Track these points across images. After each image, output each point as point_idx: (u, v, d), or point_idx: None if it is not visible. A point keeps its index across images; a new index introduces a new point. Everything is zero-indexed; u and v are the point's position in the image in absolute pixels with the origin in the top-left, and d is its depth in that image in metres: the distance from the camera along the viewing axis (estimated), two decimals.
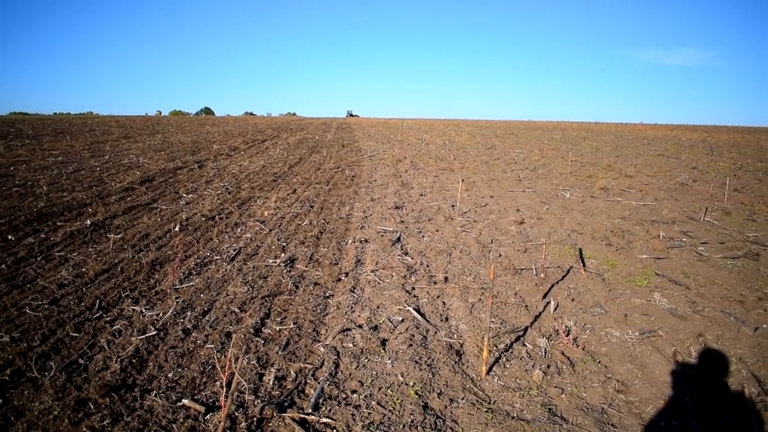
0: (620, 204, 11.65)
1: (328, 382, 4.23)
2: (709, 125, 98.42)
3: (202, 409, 3.77)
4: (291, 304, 5.87)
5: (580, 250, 7.92)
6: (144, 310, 5.45)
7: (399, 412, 3.87)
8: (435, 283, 6.68)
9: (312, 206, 11.19)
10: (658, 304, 5.86)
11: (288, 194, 12.58)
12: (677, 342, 5.02)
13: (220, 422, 3.52)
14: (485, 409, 3.95)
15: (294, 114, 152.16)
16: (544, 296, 6.27)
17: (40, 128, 36.22)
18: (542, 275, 6.88)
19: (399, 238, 8.61)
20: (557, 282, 6.69)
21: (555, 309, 5.89)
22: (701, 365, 4.66)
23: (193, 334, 5.00)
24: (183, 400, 3.87)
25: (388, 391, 4.15)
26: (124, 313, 5.40)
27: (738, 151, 28.15)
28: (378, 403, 3.96)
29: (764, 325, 5.20)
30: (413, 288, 6.47)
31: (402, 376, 4.37)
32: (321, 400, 3.97)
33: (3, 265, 6.59)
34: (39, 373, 4.13)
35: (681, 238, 8.55)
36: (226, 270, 6.86)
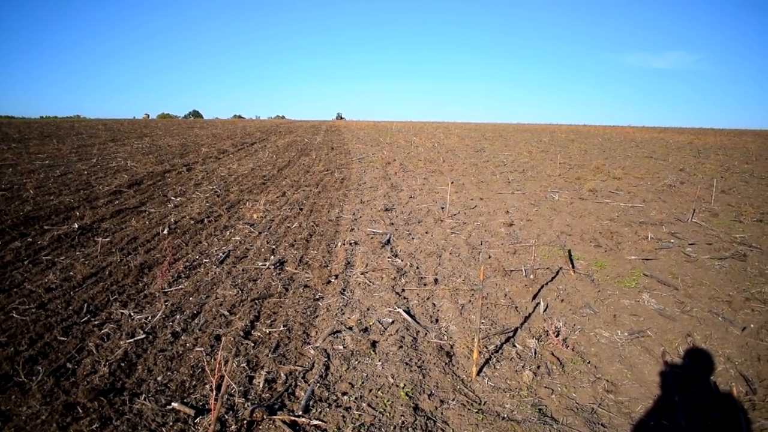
0: (609, 206, 11.72)
1: (318, 385, 4.22)
2: (696, 128, 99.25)
3: (192, 412, 3.75)
4: (281, 307, 5.85)
5: (569, 251, 7.95)
6: (133, 314, 5.42)
7: (389, 413, 3.86)
8: (425, 284, 6.68)
9: (301, 209, 11.17)
10: (646, 304, 5.89)
11: (277, 197, 12.56)
12: (666, 342, 5.05)
13: (210, 425, 3.50)
14: (476, 410, 3.95)
15: (283, 117, 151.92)
16: (534, 297, 6.29)
17: (26, 132, 36.00)
18: (532, 276, 6.90)
19: (389, 240, 8.60)
20: (547, 283, 6.71)
21: (544, 310, 5.91)
22: (690, 365, 4.69)
23: (182, 337, 4.98)
24: (172, 404, 3.84)
25: (379, 392, 4.15)
26: (112, 316, 5.36)
27: (725, 153, 28.40)
28: (368, 405, 3.96)
29: (752, 325, 5.25)
30: (403, 290, 6.47)
31: (392, 377, 4.37)
32: (311, 403, 3.96)
33: None
34: (26, 378, 4.09)
35: (669, 239, 8.61)
36: (215, 273, 6.83)
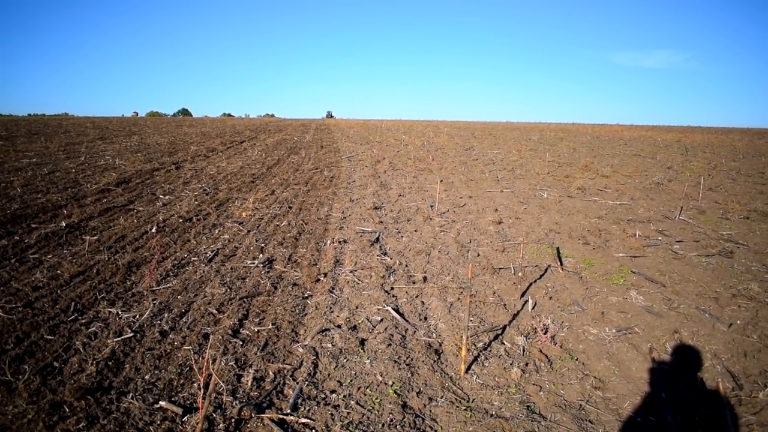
0: (597, 203, 11.77)
1: (306, 383, 4.22)
2: (683, 126, 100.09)
3: (180, 410, 3.74)
4: (269, 305, 5.84)
5: (558, 249, 7.98)
6: (120, 312, 5.39)
7: (378, 411, 3.87)
8: (414, 282, 6.69)
9: (290, 207, 11.15)
10: (634, 301, 5.93)
11: (266, 195, 12.52)
12: (653, 339, 5.08)
13: (197, 424, 3.49)
14: (464, 408, 3.96)
15: (272, 115, 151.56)
16: (522, 295, 6.31)
17: (13, 129, 35.73)
18: (520, 274, 6.92)
19: (378, 239, 8.61)
20: (535, 281, 6.73)
21: (533, 307, 5.93)
22: (677, 361, 4.72)
23: (170, 335, 4.95)
24: (160, 402, 3.83)
25: (367, 390, 4.15)
26: (100, 315, 5.33)
27: (712, 151, 28.62)
28: (357, 403, 3.96)
29: (738, 322, 5.29)
30: (392, 288, 6.47)
31: (381, 375, 4.37)
32: (300, 401, 3.95)
33: None
34: (13, 377, 4.06)
35: (657, 236, 8.66)
36: (203, 271, 6.81)
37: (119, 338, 4.80)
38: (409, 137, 37.34)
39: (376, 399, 4.02)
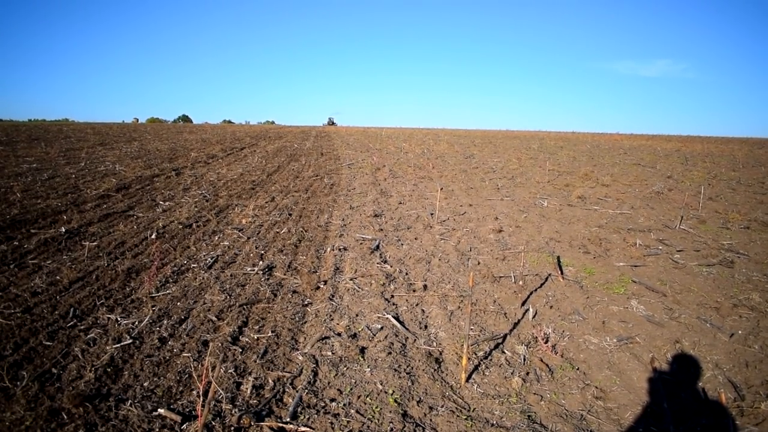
0: (597, 212, 11.77)
1: (306, 391, 4.19)
2: (683, 135, 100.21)
3: (179, 418, 3.71)
4: (269, 313, 5.81)
5: (558, 257, 7.97)
6: (119, 319, 5.37)
7: (378, 420, 3.84)
8: (414, 290, 6.67)
9: (290, 214, 11.13)
10: (635, 311, 5.91)
11: (266, 202, 12.51)
12: (654, 348, 5.06)
13: None
14: (465, 417, 3.93)
15: (273, 122, 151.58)
16: (523, 304, 6.29)
17: (14, 135, 35.73)
18: (521, 283, 6.91)
19: (378, 246, 8.59)
20: (536, 289, 6.71)
21: (533, 316, 5.91)
22: (678, 371, 4.70)
23: (169, 342, 4.93)
24: (159, 410, 3.80)
25: (367, 399, 4.12)
26: (99, 321, 5.30)
27: (712, 160, 28.66)
28: (357, 412, 3.93)
29: (739, 332, 5.27)
30: (392, 296, 6.45)
31: (381, 384, 4.35)
32: (299, 409, 3.93)
33: None
34: (11, 383, 4.04)
35: (657, 245, 8.65)
36: (203, 278, 6.79)
37: (118, 345, 4.78)
38: (409, 145, 37.39)
39: (376, 408, 4.00)
